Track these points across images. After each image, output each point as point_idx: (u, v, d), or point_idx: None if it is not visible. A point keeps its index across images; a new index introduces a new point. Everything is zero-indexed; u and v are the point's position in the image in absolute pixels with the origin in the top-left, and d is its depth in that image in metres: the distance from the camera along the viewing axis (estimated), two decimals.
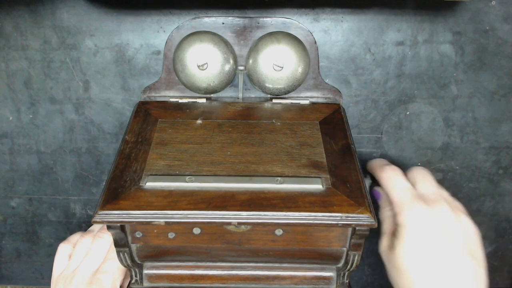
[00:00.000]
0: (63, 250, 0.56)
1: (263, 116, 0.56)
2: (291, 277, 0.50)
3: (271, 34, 0.58)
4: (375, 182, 0.55)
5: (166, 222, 0.42)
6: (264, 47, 0.57)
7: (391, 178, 0.51)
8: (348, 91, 0.63)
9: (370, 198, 0.44)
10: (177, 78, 0.59)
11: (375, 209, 0.52)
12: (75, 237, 0.57)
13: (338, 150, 0.50)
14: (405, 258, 0.46)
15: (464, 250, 0.45)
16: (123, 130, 0.65)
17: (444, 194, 0.50)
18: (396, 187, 0.50)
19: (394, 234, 0.49)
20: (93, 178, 0.69)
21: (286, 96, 0.60)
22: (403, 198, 0.48)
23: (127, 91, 0.63)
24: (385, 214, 0.52)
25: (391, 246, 0.48)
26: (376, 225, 0.42)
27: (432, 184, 0.51)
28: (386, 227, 0.51)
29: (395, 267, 0.47)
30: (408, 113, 0.64)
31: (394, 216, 0.49)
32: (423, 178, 0.51)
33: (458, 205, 0.50)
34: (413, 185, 0.51)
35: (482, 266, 0.46)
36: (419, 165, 0.67)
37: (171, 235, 0.46)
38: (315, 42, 0.59)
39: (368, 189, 0.47)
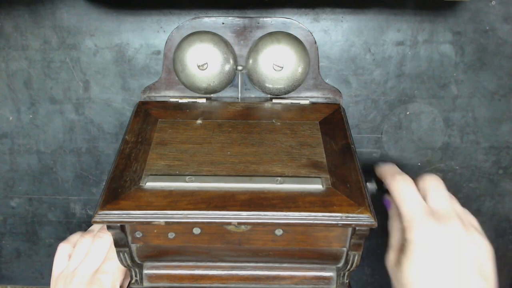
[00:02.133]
0: (63, 250, 0.56)
1: (263, 116, 0.56)
2: (291, 277, 0.50)
3: (271, 34, 0.58)
4: (382, 188, 0.52)
5: (166, 222, 0.42)
6: (264, 47, 0.57)
7: (402, 190, 0.48)
8: (348, 91, 0.63)
9: (370, 198, 0.44)
10: (177, 78, 0.59)
11: (385, 218, 0.51)
12: (75, 237, 0.57)
13: (338, 150, 0.50)
14: (411, 277, 0.44)
15: (475, 270, 0.43)
16: (123, 130, 0.65)
17: (457, 207, 0.48)
18: (407, 200, 0.47)
19: (401, 249, 0.47)
20: (93, 178, 0.69)
21: (286, 96, 0.60)
22: (413, 213, 0.46)
23: (127, 91, 0.63)
24: (394, 226, 0.50)
25: (398, 262, 0.46)
26: (376, 225, 0.42)
27: (444, 196, 0.47)
28: (394, 240, 0.49)
29: (400, 284, 0.45)
30: (408, 113, 0.64)
31: (403, 230, 0.47)
32: (435, 189, 0.48)
33: (471, 220, 0.48)
34: (424, 196, 0.48)
35: (493, 286, 0.44)
36: (419, 165, 0.67)
37: (171, 235, 0.46)
38: (315, 42, 0.59)
39: (369, 193, 0.46)
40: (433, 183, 0.48)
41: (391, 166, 0.52)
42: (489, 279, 0.44)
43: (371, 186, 0.52)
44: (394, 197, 0.48)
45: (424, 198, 0.48)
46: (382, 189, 0.52)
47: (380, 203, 0.53)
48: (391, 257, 0.48)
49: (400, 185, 0.48)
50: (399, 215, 0.48)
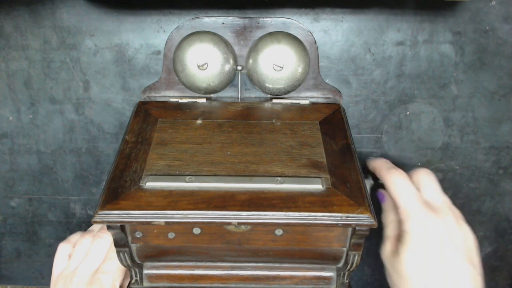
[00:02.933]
0: (63, 249, 0.56)
1: (263, 116, 0.56)
2: (291, 277, 0.50)
3: (271, 34, 0.58)
4: (377, 182, 0.54)
5: (166, 222, 0.42)
6: (264, 47, 0.57)
7: (397, 183, 0.50)
8: (348, 91, 0.63)
9: (370, 198, 0.44)
10: (177, 78, 0.59)
11: (378, 211, 0.52)
12: (75, 237, 0.57)
13: (338, 150, 0.50)
14: (409, 265, 0.46)
15: (465, 258, 0.47)
16: (123, 130, 0.65)
17: (447, 200, 0.50)
18: (403, 193, 0.49)
19: (398, 239, 0.49)
20: (93, 178, 0.69)
21: (286, 96, 0.60)
22: (410, 205, 0.48)
23: (127, 91, 0.63)
24: (390, 218, 0.52)
25: (395, 252, 0.49)
26: (376, 225, 0.42)
27: (437, 190, 0.51)
28: (390, 231, 0.51)
29: (397, 273, 0.48)
30: (408, 113, 0.64)
31: (399, 221, 0.49)
32: (429, 183, 0.51)
33: (458, 212, 0.50)
34: (417, 188, 0.50)
35: (480, 273, 0.47)
36: (419, 165, 0.67)
37: (171, 235, 0.46)
38: (315, 42, 0.59)
39: (369, 189, 0.46)
40: (426, 177, 0.51)
41: (384, 160, 0.55)
42: (477, 267, 0.47)
43: (367, 181, 0.53)
44: (389, 190, 0.50)
45: (418, 191, 0.50)
46: (376, 183, 0.54)
47: (375, 197, 0.54)
48: (387, 248, 0.50)
49: (395, 179, 0.50)
50: (395, 208, 0.51)
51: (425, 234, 0.47)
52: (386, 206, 0.53)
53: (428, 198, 0.50)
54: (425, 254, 0.46)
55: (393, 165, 0.53)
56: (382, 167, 0.53)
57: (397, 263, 0.47)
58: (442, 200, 0.50)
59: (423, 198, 0.49)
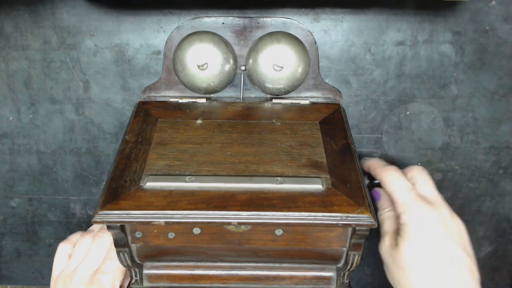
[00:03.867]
0: (63, 249, 0.56)
1: (263, 116, 0.56)
2: (291, 277, 0.50)
3: (271, 34, 0.58)
4: (372, 182, 0.56)
5: (166, 222, 0.42)
6: (264, 47, 0.57)
7: (393, 179, 0.52)
8: (348, 91, 0.63)
9: (370, 198, 0.44)
10: (177, 78, 0.59)
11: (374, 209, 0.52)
12: (75, 237, 0.57)
13: (338, 150, 0.50)
14: (409, 256, 0.48)
15: (461, 248, 0.48)
16: (123, 130, 0.65)
17: (440, 196, 0.52)
18: (399, 188, 0.51)
19: (397, 232, 0.50)
20: (93, 178, 0.69)
21: (286, 96, 0.60)
22: (407, 198, 0.50)
23: (127, 91, 0.63)
24: (386, 214, 0.53)
25: (394, 245, 0.50)
26: (376, 225, 0.42)
27: (431, 185, 0.52)
28: (388, 227, 0.52)
29: (397, 266, 0.49)
30: (408, 113, 0.64)
31: (396, 216, 0.51)
32: (423, 179, 0.52)
33: (450, 207, 0.52)
34: (412, 184, 0.52)
35: (475, 263, 0.49)
36: (419, 165, 0.67)
37: (171, 235, 0.46)
38: (315, 42, 0.59)
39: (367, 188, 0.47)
40: (420, 173, 0.53)
41: (378, 159, 0.57)
42: (472, 256, 0.49)
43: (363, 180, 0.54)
44: (385, 186, 0.52)
45: (413, 186, 0.52)
46: (371, 183, 0.56)
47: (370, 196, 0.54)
48: (386, 242, 0.51)
49: (391, 175, 0.52)
50: (391, 203, 0.52)
51: (423, 225, 0.48)
52: (382, 203, 0.54)
53: (423, 192, 0.51)
54: (424, 244, 0.47)
55: (387, 163, 0.55)
56: (376, 166, 0.55)
57: (397, 256, 0.49)
58: (435, 194, 0.51)
59: (418, 192, 0.51)
